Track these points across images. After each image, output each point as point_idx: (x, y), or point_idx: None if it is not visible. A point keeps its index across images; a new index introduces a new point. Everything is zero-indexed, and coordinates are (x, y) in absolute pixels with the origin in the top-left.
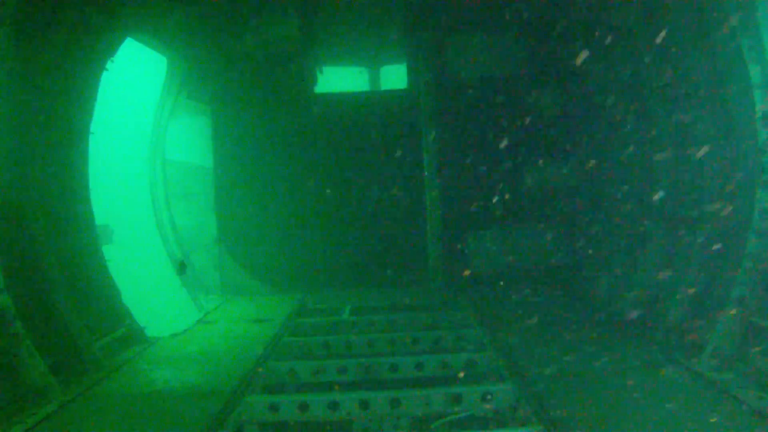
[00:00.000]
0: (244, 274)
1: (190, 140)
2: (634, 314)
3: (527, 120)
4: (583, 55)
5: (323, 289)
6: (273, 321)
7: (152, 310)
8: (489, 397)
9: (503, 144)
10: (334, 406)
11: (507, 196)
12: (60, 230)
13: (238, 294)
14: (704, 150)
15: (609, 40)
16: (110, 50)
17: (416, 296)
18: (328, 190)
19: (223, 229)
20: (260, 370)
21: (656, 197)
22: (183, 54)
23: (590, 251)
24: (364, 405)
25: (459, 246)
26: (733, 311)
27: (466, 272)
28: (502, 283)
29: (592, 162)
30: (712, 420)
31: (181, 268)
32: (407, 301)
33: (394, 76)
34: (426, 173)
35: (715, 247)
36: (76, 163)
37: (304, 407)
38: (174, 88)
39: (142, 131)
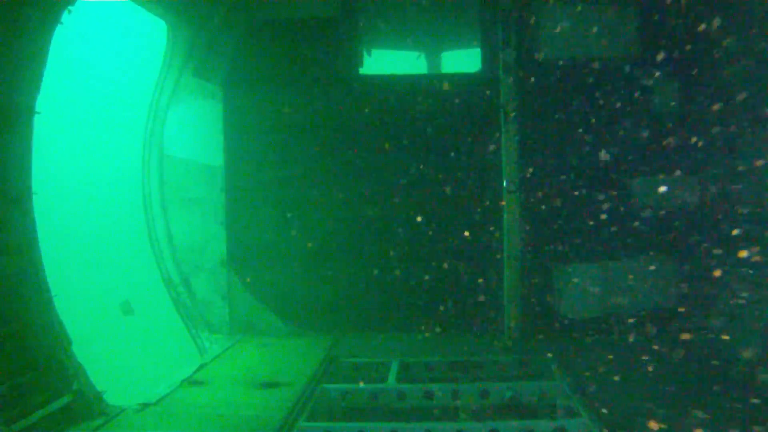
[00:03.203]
0: (258, 308)
1: (194, 131)
2: None
3: (636, 118)
4: (718, 35)
5: (361, 333)
6: (288, 386)
7: (140, 350)
8: None
9: (603, 149)
10: None
11: (607, 219)
12: None
13: (250, 334)
14: None
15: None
16: None
17: (485, 349)
18: (371, 202)
19: (234, 248)
20: None
21: None
22: (188, 19)
23: (723, 300)
24: None
25: (542, 282)
26: None
27: (552, 317)
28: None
29: (724, 179)
30: None
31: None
32: (475, 358)
33: (459, 64)
34: (505, 184)
35: None
36: (10, 157)
37: None
38: (176, 64)
39: (137, 117)
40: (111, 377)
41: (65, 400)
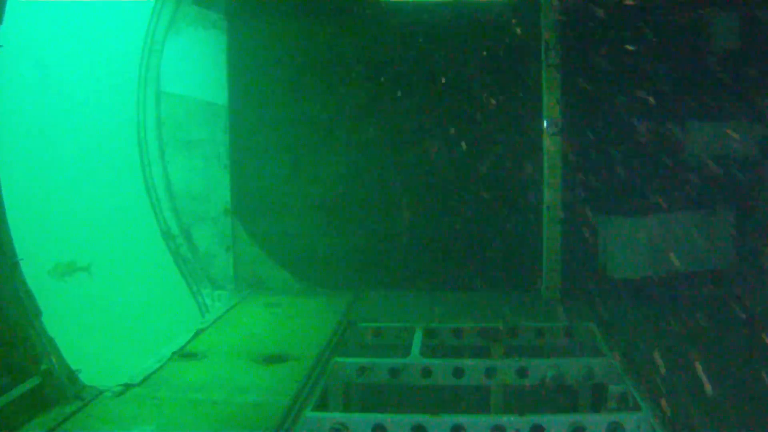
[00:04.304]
0: (266, 262)
1: (195, 65)
2: None
3: (692, 56)
4: None
5: (383, 291)
6: (297, 361)
7: (133, 311)
8: None
9: (655, 90)
10: None
11: (659, 167)
12: None
13: (257, 290)
14: None
15: None
16: None
17: (522, 311)
18: (394, 144)
19: (240, 195)
20: None
21: None
22: None
23: None
24: None
25: (586, 236)
26: None
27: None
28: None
29: None
30: None
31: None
32: (509, 322)
33: None
34: (545, 125)
35: None
36: None
37: None
38: None
39: (131, 50)
40: (100, 343)
41: (32, 382)
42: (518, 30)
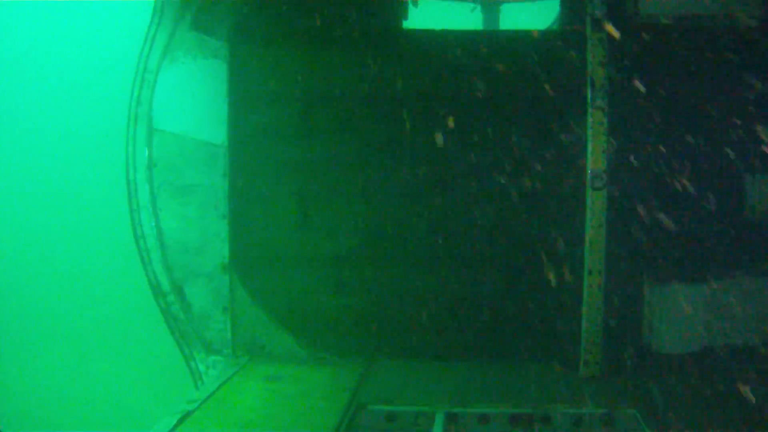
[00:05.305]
0: (267, 325)
1: (192, 99)
2: None
3: (756, 101)
4: None
5: (396, 361)
6: None
7: (119, 377)
8: None
9: (717, 134)
10: None
11: (719, 226)
12: None
13: (257, 357)
14: None
15: None
16: None
17: (556, 391)
18: (414, 192)
19: (239, 248)
20: None
21: None
22: None
23: None
24: None
25: (632, 305)
26: None
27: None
28: None
29: None
30: None
31: None
32: (544, 409)
33: (522, 20)
34: (589, 178)
35: None
36: None
37: None
38: (170, 14)
39: (120, 81)
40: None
41: None
42: (559, 65)
